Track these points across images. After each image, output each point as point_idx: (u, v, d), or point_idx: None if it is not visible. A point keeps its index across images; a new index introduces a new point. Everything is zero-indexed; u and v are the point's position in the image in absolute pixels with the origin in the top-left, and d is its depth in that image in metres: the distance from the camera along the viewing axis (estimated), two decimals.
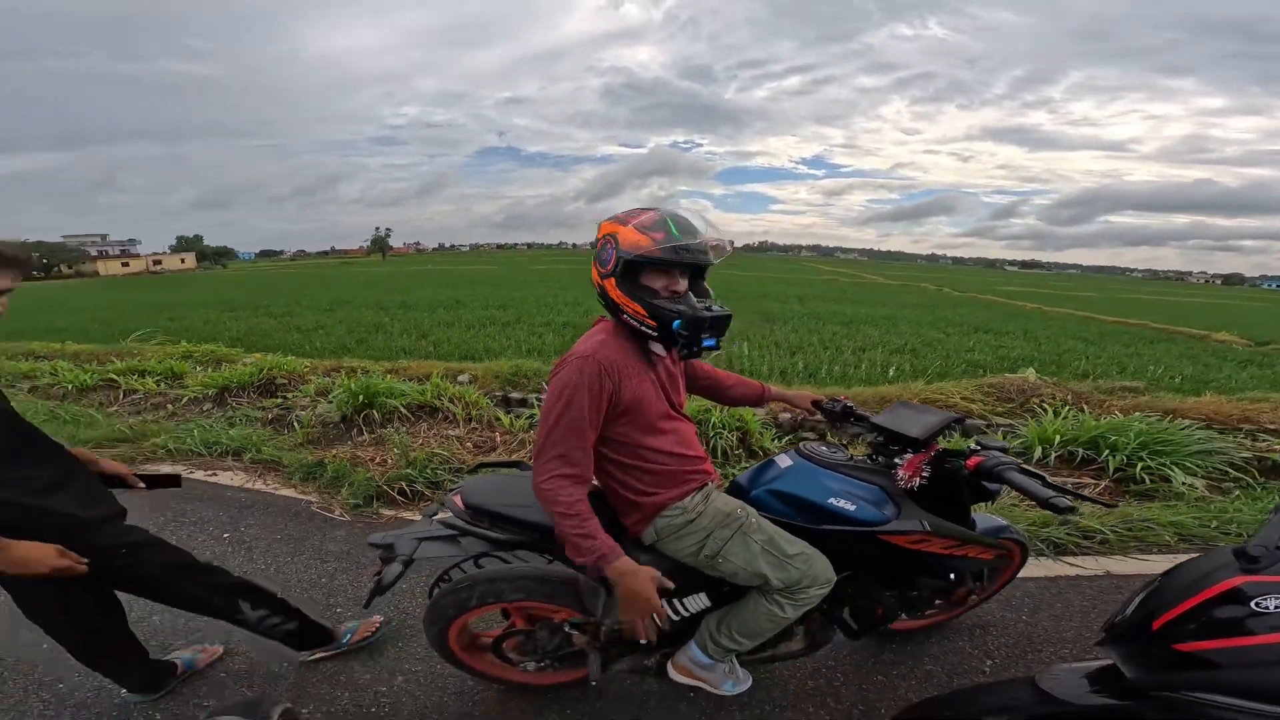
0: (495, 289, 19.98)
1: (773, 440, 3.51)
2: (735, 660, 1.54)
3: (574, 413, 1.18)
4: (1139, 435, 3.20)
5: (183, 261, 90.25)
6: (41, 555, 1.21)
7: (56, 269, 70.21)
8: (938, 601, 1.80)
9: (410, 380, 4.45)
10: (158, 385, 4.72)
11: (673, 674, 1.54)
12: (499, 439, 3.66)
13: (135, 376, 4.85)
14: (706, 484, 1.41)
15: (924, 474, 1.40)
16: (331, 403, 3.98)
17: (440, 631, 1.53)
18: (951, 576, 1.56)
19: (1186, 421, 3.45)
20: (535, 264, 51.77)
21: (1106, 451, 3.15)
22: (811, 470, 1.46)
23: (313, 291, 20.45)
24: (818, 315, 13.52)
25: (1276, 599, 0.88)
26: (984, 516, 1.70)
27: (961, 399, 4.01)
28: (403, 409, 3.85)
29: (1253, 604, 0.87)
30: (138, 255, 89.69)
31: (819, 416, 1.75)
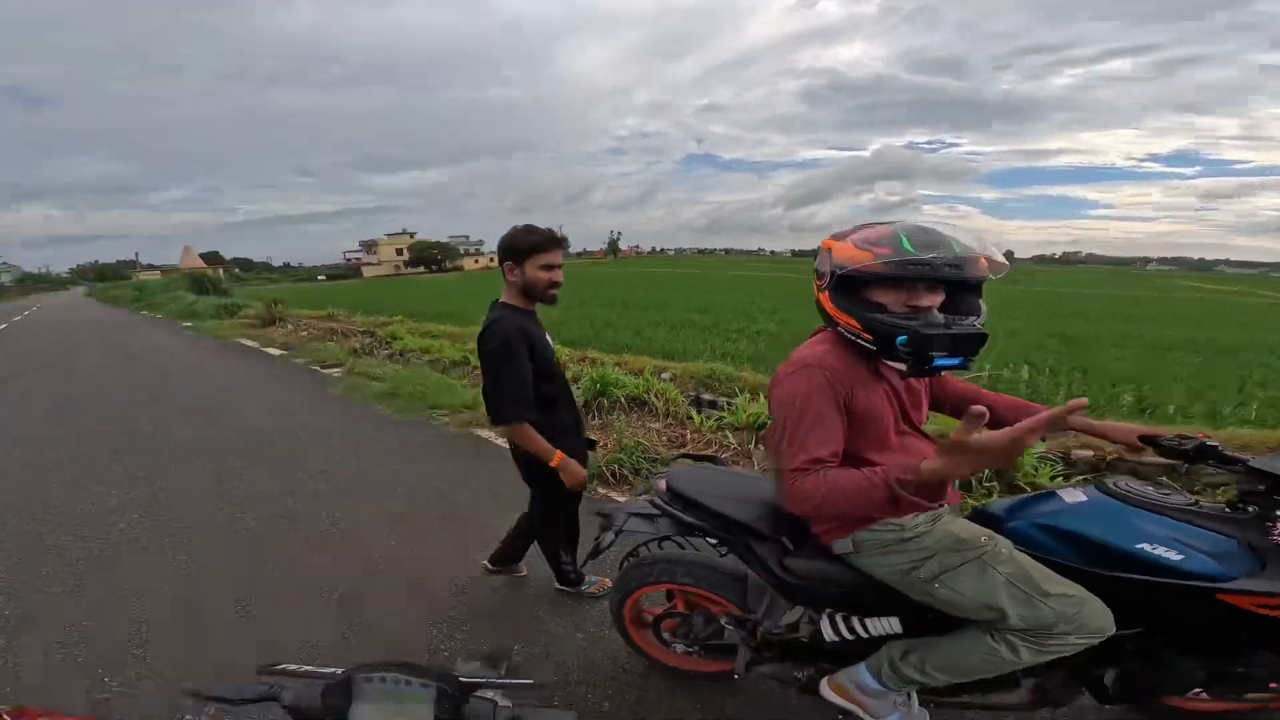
0: (696, 293, 20.46)
1: (1053, 478, 2.88)
2: (915, 695, 1.36)
3: (811, 416, 1.15)
4: None
5: None
6: (580, 476, 1.84)
7: (445, 263, 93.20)
8: (1273, 685, 1.34)
9: (629, 373, 5.03)
10: None
11: (825, 691, 1.43)
12: (689, 436, 3.92)
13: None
14: (943, 507, 1.30)
15: None
16: (579, 389, 4.82)
17: (620, 599, 1.73)
18: None
19: None
20: (733, 269, 51.46)
21: None
22: (1117, 510, 1.25)
23: (567, 288, 24.05)
24: (1157, 342, 10.09)
25: None
26: None
27: None
28: (623, 399, 4.44)
29: None
30: (483, 254, 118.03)
31: (1148, 455, 1.44)
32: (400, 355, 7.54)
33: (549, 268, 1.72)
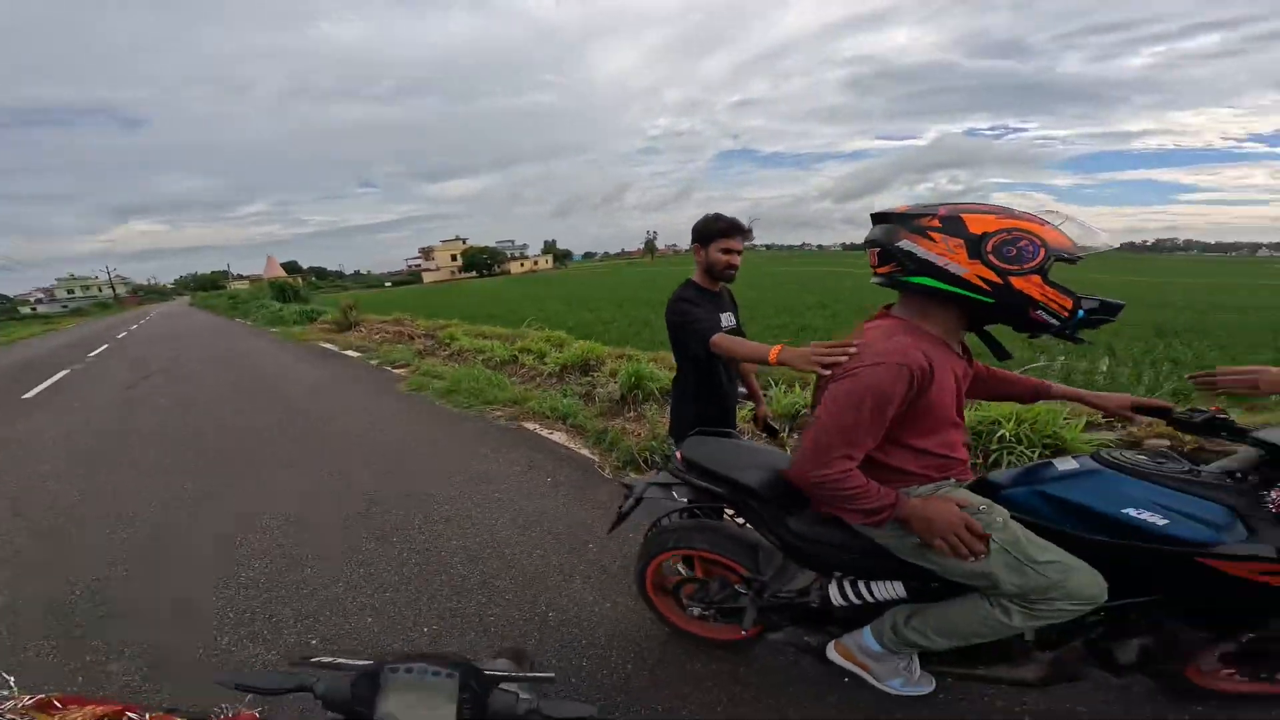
0: (738, 289, 19.89)
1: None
2: (917, 659, 1.42)
3: (877, 415, 1.18)
4: None
5: (547, 262, 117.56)
6: (805, 355, 1.52)
7: (494, 268, 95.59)
8: None
9: (665, 369, 5.22)
10: (533, 362, 6.87)
11: (832, 654, 1.49)
12: None
13: (525, 355, 7.15)
14: (951, 479, 1.35)
15: None
16: (616, 383, 5.10)
17: (643, 566, 1.85)
18: None
19: None
20: (775, 265, 50.19)
21: None
22: (1106, 477, 1.27)
23: (610, 288, 24.90)
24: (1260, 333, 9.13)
25: None
26: None
27: None
28: (656, 391, 4.69)
29: None
30: (528, 257, 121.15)
31: (1139, 422, 1.47)
32: (458, 355, 8.16)
33: (728, 251, 1.92)
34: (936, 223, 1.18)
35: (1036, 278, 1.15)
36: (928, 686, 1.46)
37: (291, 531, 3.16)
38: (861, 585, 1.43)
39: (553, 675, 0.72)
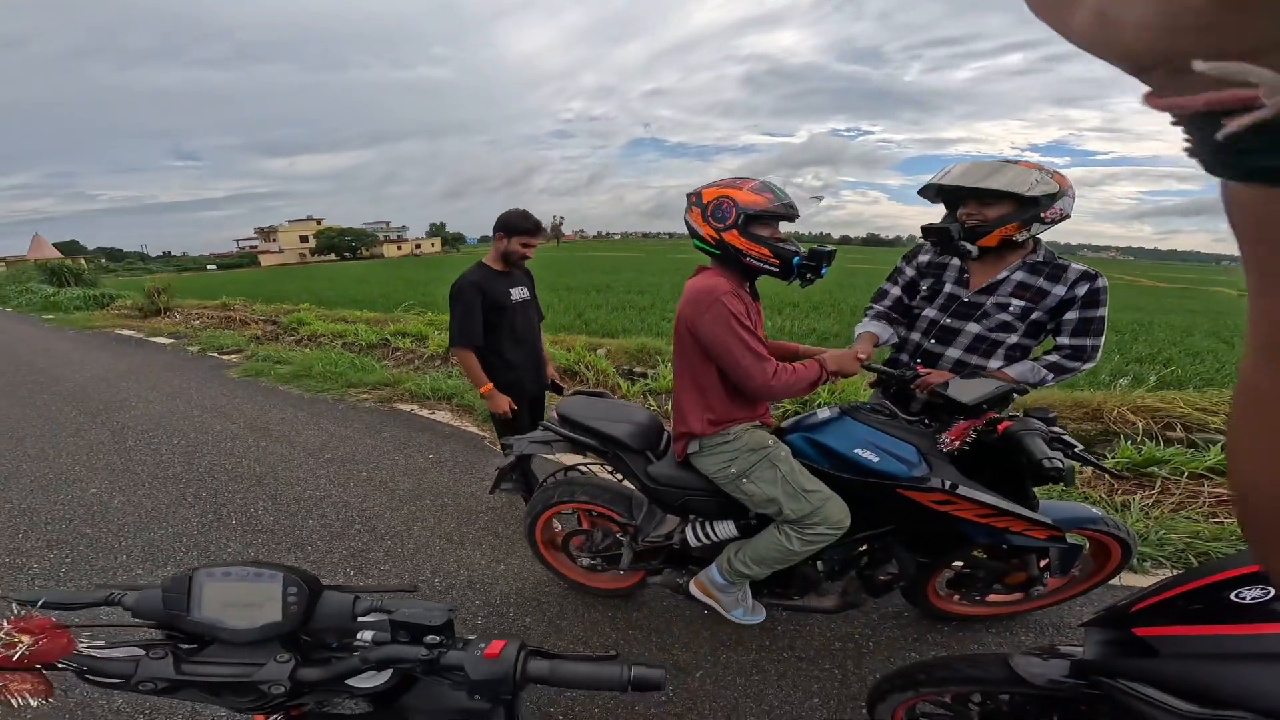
0: (638, 275, 21.10)
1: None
2: (750, 592, 1.69)
3: (746, 330, 1.40)
4: None
5: (433, 245, 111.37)
6: (499, 406, 2.19)
7: (360, 251, 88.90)
8: (996, 585, 1.73)
9: (564, 349, 5.24)
10: (410, 345, 6.32)
11: (693, 589, 1.71)
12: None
13: (400, 338, 6.56)
14: (756, 422, 1.59)
15: (968, 440, 1.38)
16: None
17: (531, 523, 1.91)
18: (1012, 559, 1.55)
19: None
20: (675, 252, 53.11)
21: None
22: (849, 424, 1.52)
23: None
24: None
25: (1259, 590, 0.79)
26: (1074, 505, 1.64)
27: (1196, 409, 3.25)
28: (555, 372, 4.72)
29: (1233, 594, 0.80)
30: (406, 240, 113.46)
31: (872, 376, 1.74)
32: (310, 340, 7.15)
33: (527, 245, 2.21)
34: (693, 197, 1.45)
35: (735, 232, 1.38)
36: (761, 615, 1.73)
37: (98, 521, 2.65)
38: (709, 526, 1.66)
39: (415, 586, 0.70)
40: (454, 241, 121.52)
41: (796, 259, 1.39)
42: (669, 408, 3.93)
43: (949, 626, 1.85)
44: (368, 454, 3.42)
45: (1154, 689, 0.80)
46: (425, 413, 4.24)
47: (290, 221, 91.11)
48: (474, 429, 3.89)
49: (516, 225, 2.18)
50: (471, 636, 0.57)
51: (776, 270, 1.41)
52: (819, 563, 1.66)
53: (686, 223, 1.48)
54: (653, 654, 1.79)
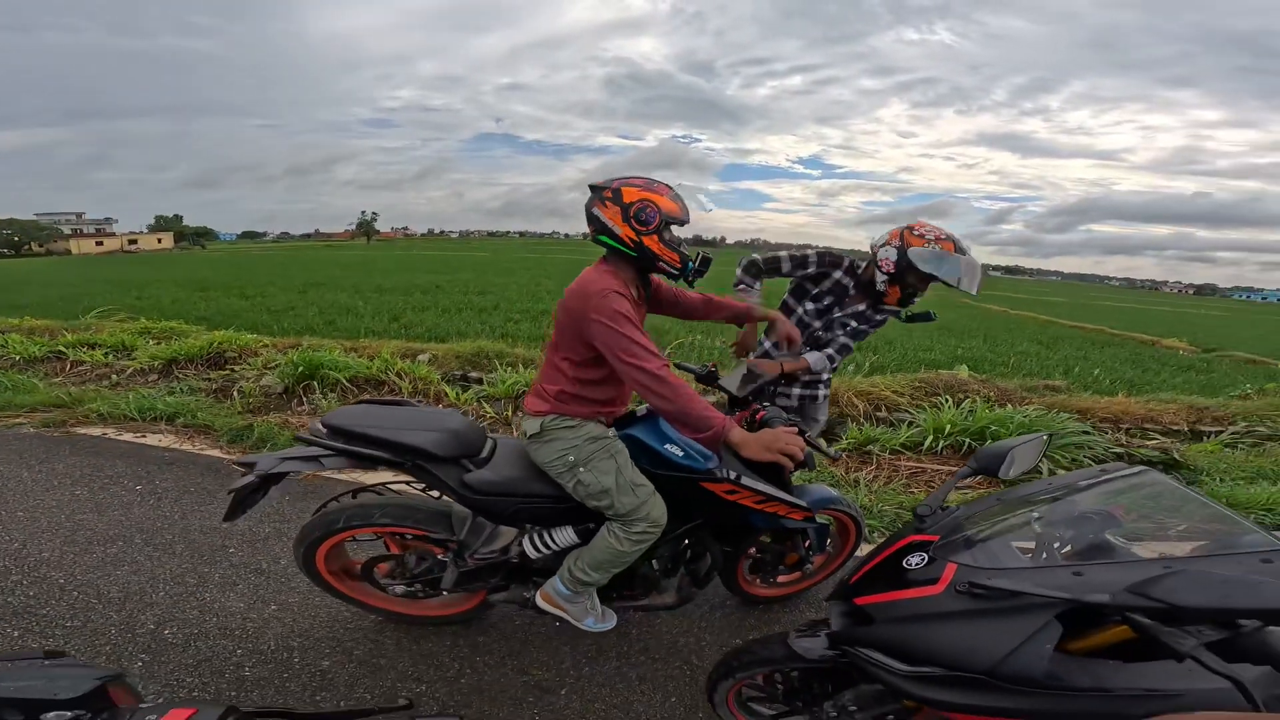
0: (480, 275, 20.09)
1: None
2: (597, 599, 1.66)
3: (635, 325, 1.40)
4: (1020, 427, 3.36)
5: (159, 241, 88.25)
6: None
7: (27, 246, 69.12)
8: (781, 567, 1.91)
9: (364, 358, 4.49)
10: (106, 357, 4.77)
11: (540, 603, 1.64)
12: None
13: (84, 349, 4.90)
14: (601, 416, 1.59)
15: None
16: (274, 374, 4.08)
17: (307, 553, 1.62)
18: (786, 542, 1.70)
19: (1065, 415, 3.64)
20: (525, 251, 52.21)
21: (988, 440, 3.28)
22: (660, 422, 1.55)
23: (290, 273, 20.19)
24: None
25: (919, 556, 0.88)
26: (819, 488, 1.83)
27: (891, 391, 4.11)
28: (345, 381, 3.97)
29: (904, 561, 0.90)
30: (113, 234, 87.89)
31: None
32: None
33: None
34: (609, 193, 1.45)
35: (654, 237, 1.45)
36: (613, 621, 1.68)
37: None
38: (547, 535, 1.58)
39: (61, 650, 0.63)
40: (197, 237, 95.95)
41: (691, 264, 1.51)
42: (509, 413, 3.86)
43: (759, 609, 1.99)
44: (29, 489, 2.62)
45: (879, 653, 0.87)
46: (129, 436, 3.34)
47: None
48: (215, 451, 3.20)
49: None
50: (158, 700, 0.52)
51: (676, 273, 1.51)
52: (654, 561, 1.67)
53: (594, 216, 1.45)
54: (509, 678, 1.66)
